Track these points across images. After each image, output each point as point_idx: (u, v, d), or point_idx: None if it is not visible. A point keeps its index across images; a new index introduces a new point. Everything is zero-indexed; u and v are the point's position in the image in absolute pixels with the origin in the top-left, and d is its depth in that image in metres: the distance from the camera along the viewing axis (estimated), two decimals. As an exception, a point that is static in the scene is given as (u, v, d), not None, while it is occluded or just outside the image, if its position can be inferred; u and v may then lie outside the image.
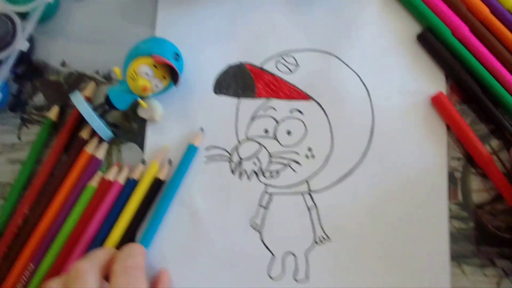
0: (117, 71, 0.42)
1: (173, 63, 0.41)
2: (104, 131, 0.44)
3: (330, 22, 0.47)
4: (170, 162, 0.45)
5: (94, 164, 0.45)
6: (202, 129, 0.45)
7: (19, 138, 0.47)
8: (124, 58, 0.44)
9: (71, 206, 0.44)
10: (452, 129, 0.44)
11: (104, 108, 0.44)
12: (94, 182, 0.44)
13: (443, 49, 0.45)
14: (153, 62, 0.41)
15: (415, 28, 0.47)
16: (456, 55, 0.45)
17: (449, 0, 0.45)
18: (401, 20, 0.47)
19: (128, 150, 0.46)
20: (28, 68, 0.48)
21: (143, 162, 0.45)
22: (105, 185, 0.44)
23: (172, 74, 0.43)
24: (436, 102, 0.45)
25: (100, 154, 0.45)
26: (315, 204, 0.44)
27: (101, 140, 0.45)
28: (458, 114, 0.44)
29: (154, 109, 0.45)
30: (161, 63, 0.41)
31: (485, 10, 0.45)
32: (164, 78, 0.42)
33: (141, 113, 0.45)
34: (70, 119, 0.46)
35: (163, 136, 0.46)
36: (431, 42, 0.45)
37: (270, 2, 0.48)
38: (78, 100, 0.42)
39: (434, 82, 0.46)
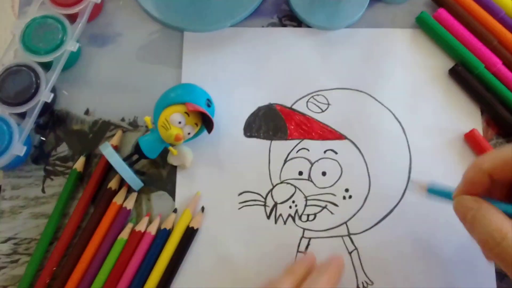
0: (147, 120, 0.41)
1: (206, 110, 0.40)
2: (136, 182, 0.42)
3: (360, 61, 0.47)
4: (203, 209, 0.44)
5: (123, 215, 0.44)
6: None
7: (43, 191, 0.45)
8: (150, 104, 0.43)
9: (102, 261, 0.42)
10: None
11: (133, 158, 0.43)
12: (125, 235, 0.43)
13: (476, 83, 0.45)
14: (185, 110, 0.40)
15: (446, 63, 0.47)
16: (490, 89, 0.44)
17: (480, 34, 0.45)
18: (431, 56, 0.47)
19: (158, 198, 0.45)
20: (51, 118, 0.47)
21: (175, 211, 0.44)
22: (136, 236, 0.43)
23: (204, 121, 0.42)
24: (469, 139, 0.44)
25: (130, 204, 0.44)
26: (355, 247, 0.43)
27: (129, 189, 0.44)
28: (489, 148, 0.43)
29: (185, 156, 0.44)
30: (196, 111, 0.40)
31: (516, 43, 0.45)
32: (196, 125, 0.42)
33: (171, 160, 0.44)
34: (98, 169, 0.44)
35: (194, 183, 0.44)
36: (464, 76, 0.45)
37: (298, 43, 0.48)
38: (109, 152, 0.41)
39: (469, 117, 0.45)
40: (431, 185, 0.37)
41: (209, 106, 0.42)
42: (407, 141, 0.45)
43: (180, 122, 0.41)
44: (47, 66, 0.44)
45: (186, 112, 0.41)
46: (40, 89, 0.43)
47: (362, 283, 0.42)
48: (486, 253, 0.31)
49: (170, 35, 0.49)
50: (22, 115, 0.43)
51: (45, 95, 0.43)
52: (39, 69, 0.44)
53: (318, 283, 0.35)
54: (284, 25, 0.49)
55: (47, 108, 0.46)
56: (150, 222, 0.43)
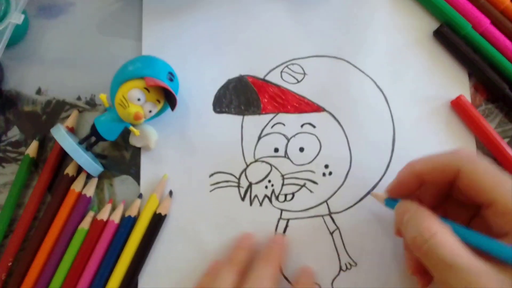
0: (103, 98, 0.38)
1: (168, 85, 0.37)
2: (93, 167, 0.39)
3: (337, 26, 0.44)
4: (171, 193, 0.40)
5: (83, 203, 0.40)
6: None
7: (-5, 180, 0.41)
8: (108, 81, 0.40)
9: (62, 254, 0.39)
10: (475, 134, 0.41)
11: (91, 140, 0.39)
12: (85, 224, 0.40)
13: (463, 44, 0.41)
14: (145, 85, 0.37)
15: (431, 25, 0.43)
16: (478, 51, 0.41)
17: (467, -9, 0.42)
18: (414, 16, 0.44)
19: (121, 183, 0.41)
20: (-1, 99, 0.43)
21: (140, 196, 0.40)
22: (99, 225, 0.40)
23: (167, 96, 0.38)
24: (457, 106, 0.41)
25: (90, 191, 0.41)
26: (337, 226, 0.40)
27: (89, 175, 0.41)
28: (481, 117, 0.40)
29: (148, 136, 0.40)
30: (155, 86, 0.37)
31: (505, 0, 0.41)
32: (158, 101, 0.38)
33: (134, 141, 0.40)
34: (52, 154, 0.41)
35: (160, 165, 0.41)
36: (450, 37, 0.42)
37: (269, 8, 0.44)
38: (61, 135, 0.37)
39: (456, 83, 0.42)
40: (387, 199, 0.37)
41: (171, 80, 0.38)
42: (390, 112, 0.42)
43: (139, 99, 0.37)
44: (-11, 42, 0.40)
45: (146, 88, 0.37)
46: (-19, 67, 0.39)
47: (345, 264, 0.39)
48: (415, 251, 0.32)
49: (128, 2, 0.44)
50: (-37, 97, 0.39)
51: (-13, 74, 0.39)
52: (-20, 46, 0.39)
53: (261, 271, 0.36)
54: (254, -12, 0.45)
55: (-6, 89, 0.42)
56: (113, 209, 0.40)
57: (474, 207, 0.34)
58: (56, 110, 0.42)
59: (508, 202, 0.30)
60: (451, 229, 0.31)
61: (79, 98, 0.43)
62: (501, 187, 0.31)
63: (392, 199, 0.37)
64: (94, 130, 0.38)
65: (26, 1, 0.41)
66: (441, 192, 0.35)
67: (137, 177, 0.41)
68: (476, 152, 0.35)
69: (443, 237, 0.30)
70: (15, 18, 0.40)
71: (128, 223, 0.40)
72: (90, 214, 0.40)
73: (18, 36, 0.43)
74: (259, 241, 0.40)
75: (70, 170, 0.41)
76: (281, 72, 0.43)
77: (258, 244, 0.39)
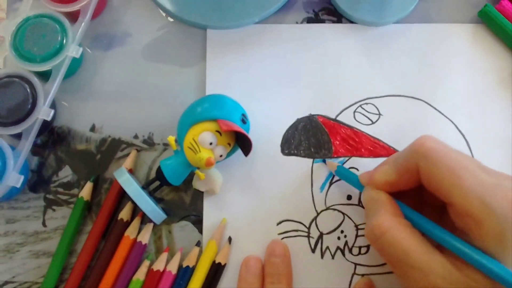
0: (171, 140, 0.36)
1: (241, 128, 0.35)
2: (158, 214, 0.37)
3: (414, 63, 0.43)
4: (230, 240, 0.39)
5: (138, 251, 0.39)
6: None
7: (44, 225, 0.40)
8: (168, 117, 0.39)
9: (116, 307, 0.38)
10: None
11: (152, 184, 0.38)
12: (141, 275, 0.38)
13: (552, 86, 0.40)
14: (217, 128, 0.35)
15: None
16: None
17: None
18: (498, 55, 0.43)
19: (181, 230, 0.40)
20: (50, 137, 0.41)
21: (198, 244, 0.39)
22: (155, 276, 0.38)
23: (238, 140, 0.37)
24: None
25: (145, 238, 0.39)
26: (415, 283, 0.38)
27: (144, 219, 0.39)
28: None
29: (214, 180, 0.39)
30: (231, 131, 0.35)
31: None
32: (229, 144, 0.36)
33: (198, 185, 0.39)
34: (109, 197, 0.39)
35: (224, 211, 0.40)
36: (538, 79, 0.40)
37: (342, 45, 0.43)
38: (126, 180, 0.36)
39: (544, 126, 0.41)
40: (340, 167, 0.39)
41: (244, 122, 0.37)
42: (472, 156, 0.40)
43: (211, 143, 0.35)
44: (44, 76, 0.38)
45: (217, 131, 0.35)
46: (37, 104, 0.37)
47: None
48: (369, 241, 0.33)
49: (189, 33, 0.43)
50: (17, 136, 0.37)
51: (44, 112, 0.37)
52: (35, 80, 0.38)
53: None
54: (322, 21, 0.44)
55: (46, 126, 0.41)
56: (171, 258, 0.39)
57: None
58: (112, 149, 0.41)
59: (464, 206, 0.29)
60: (407, 223, 0.32)
61: (136, 137, 0.41)
62: (457, 190, 0.30)
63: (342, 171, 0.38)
64: (159, 174, 0.37)
65: (84, 31, 0.40)
66: (412, 184, 0.34)
67: (197, 223, 0.40)
68: (441, 142, 0.32)
69: (394, 235, 0.31)
70: (73, 50, 0.39)
71: (185, 274, 0.38)
72: (146, 263, 0.39)
73: (72, 68, 0.42)
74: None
75: (124, 215, 0.39)
76: (354, 112, 0.41)
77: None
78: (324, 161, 0.40)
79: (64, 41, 0.39)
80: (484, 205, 0.29)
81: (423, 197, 0.35)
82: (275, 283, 0.37)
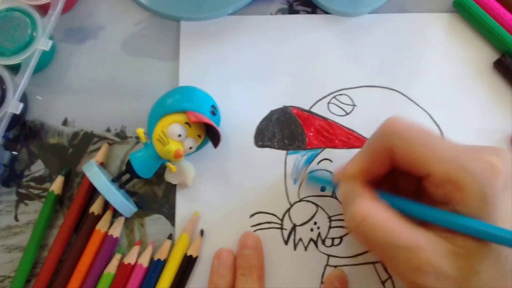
0: (140, 132, 0.36)
1: (211, 119, 0.35)
2: (128, 208, 0.38)
3: (388, 53, 0.43)
4: (202, 233, 0.39)
5: (109, 245, 0.39)
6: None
7: (16, 219, 0.40)
8: (140, 111, 0.39)
9: (87, 300, 0.38)
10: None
11: (123, 178, 0.38)
12: (112, 268, 0.39)
13: (527, 75, 0.40)
14: (186, 119, 0.35)
15: (490, 55, 0.42)
16: (543, 82, 0.40)
17: (532, 18, 0.41)
18: (473, 46, 0.43)
19: (153, 223, 0.40)
20: (22, 131, 0.42)
21: (170, 237, 0.39)
22: (126, 270, 0.38)
23: (209, 132, 0.37)
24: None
25: (117, 231, 0.39)
26: (389, 275, 0.39)
27: (116, 213, 0.39)
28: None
29: (186, 173, 0.39)
30: (199, 122, 0.35)
31: None
32: (199, 136, 0.37)
33: (170, 178, 0.39)
34: (81, 192, 0.39)
35: (196, 204, 0.40)
36: (512, 68, 0.40)
37: (317, 36, 0.43)
38: (94, 173, 0.36)
39: (519, 116, 0.41)
40: (310, 174, 0.39)
41: (214, 114, 0.37)
42: (447, 147, 0.40)
43: (180, 135, 0.36)
44: (15, 70, 0.39)
45: (187, 123, 0.36)
46: (6, 98, 0.38)
47: (400, 317, 0.38)
48: (353, 237, 0.34)
49: (163, 26, 0.43)
50: (-14, 131, 0.38)
51: (13, 106, 0.37)
52: (5, 74, 0.38)
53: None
54: (296, 11, 0.44)
55: (17, 120, 0.41)
56: (142, 251, 0.39)
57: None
58: (84, 142, 0.41)
59: (443, 173, 0.30)
60: (387, 206, 0.31)
61: (108, 130, 0.41)
62: (434, 158, 0.30)
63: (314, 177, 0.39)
64: (129, 167, 0.37)
65: (54, 25, 0.40)
66: (386, 168, 0.34)
67: (170, 216, 0.40)
68: (407, 120, 0.32)
69: (375, 218, 0.30)
70: (43, 44, 0.39)
71: (157, 267, 0.39)
72: (117, 257, 0.39)
73: (44, 62, 0.42)
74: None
75: (95, 209, 0.39)
76: (328, 103, 0.42)
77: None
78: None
79: (34, 34, 0.39)
80: (463, 169, 0.29)
81: (397, 185, 0.35)
82: (246, 275, 0.37)
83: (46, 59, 0.42)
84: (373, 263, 0.39)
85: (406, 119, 0.32)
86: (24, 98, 0.41)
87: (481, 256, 0.28)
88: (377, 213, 0.31)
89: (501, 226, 0.28)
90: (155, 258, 0.39)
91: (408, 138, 0.31)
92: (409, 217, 0.31)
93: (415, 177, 0.33)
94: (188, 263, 0.39)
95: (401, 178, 0.35)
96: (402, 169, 0.32)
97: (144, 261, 0.38)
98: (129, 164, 0.37)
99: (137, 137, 0.41)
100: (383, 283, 0.38)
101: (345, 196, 0.34)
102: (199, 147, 0.38)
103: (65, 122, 0.42)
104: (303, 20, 0.43)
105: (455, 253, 0.29)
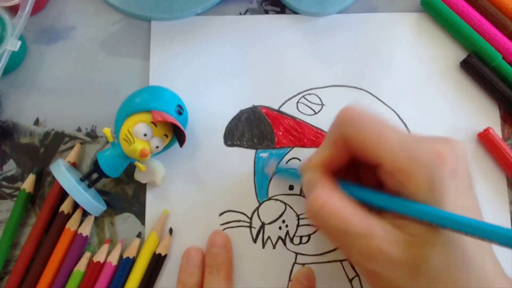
0: (107, 132, 0.39)
1: (176, 119, 0.38)
2: (95, 207, 0.40)
3: (356, 53, 0.45)
4: (171, 231, 0.42)
5: (79, 243, 0.42)
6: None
7: (-12, 218, 0.43)
8: (110, 111, 0.41)
9: (57, 298, 0.41)
10: (504, 168, 0.42)
11: (93, 176, 0.41)
12: (81, 266, 0.41)
13: (492, 75, 0.43)
14: (151, 119, 0.38)
15: (457, 54, 0.45)
16: (507, 81, 0.43)
17: (496, 18, 0.44)
18: (440, 45, 0.45)
19: (123, 222, 0.43)
20: (-6, 131, 0.44)
21: (139, 235, 0.42)
22: (95, 268, 0.41)
23: (175, 131, 0.39)
24: (484, 139, 0.43)
25: (86, 230, 0.42)
26: (357, 273, 0.41)
27: (86, 212, 0.42)
28: (510, 151, 0.42)
29: (155, 172, 0.41)
30: (163, 122, 0.38)
31: (537, 28, 0.43)
32: (166, 136, 0.39)
33: (139, 177, 0.42)
34: (53, 190, 0.42)
35: (166, 202, 0.42)
36: (478, 68, 0.43)
37: (285, 36, 0.46)
38: (60, 172, 0.39)
39: (485, 115, 0.44)
40: (278, 168, 0.42)
41: (180, 113, 0.40)
42: (414, 146, 0.43)
43: (145, 135, 0.38)
44: (-16, 71, 0.41)
45: (152, 122, 0.38)
46: (-23, 98, 0.40)
47: (365, 315, 0.40)
48: (312, 223, 0.36)
49: (134, 26, 0.46)
50: (-43, 131, 0.40)
51: (-17, 106, 0.40)
52: (-25, 75, 0.41)
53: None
54: (266, 11, 0.46)
55: (-12, 120, 0.43)
56: (112, 250, 0.42)
57: None
58: (55, 142, 0.44)
59: (392, 162, 0.32)
60: (344, 195, 0.33)
61: (79, 130, 0.44)
62: (385, 147, 0.32)
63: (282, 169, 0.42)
64: (96, 167, 0.40)
65: (23, 26, 0.42)
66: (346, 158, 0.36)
67: (140, 215, 0.42)
68: (362, 109, 0.34)
69: (332, 206, 0.32)
70: (12, 44, 0.41)
71: (126, 265, 0.41)
72: (86, 255, 0.41)
73: (15, 63, 0.45)
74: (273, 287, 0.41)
75: (65, 208, 0.42)
76: (297, 102, 0.44)
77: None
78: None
79: (4, 34, 0.41)
80: (411, 159, 0.31)
81: (360, 177, 0.37)
82: (214, 273, 0.40)
83: (17, 60, 0.45)
84: (340, 261, 0.41)
85: (361, 107, 0.34)
86: (-4, 99, 0.43)
87: (432, 243, 0.30)
88: (334, 202, 0.33)
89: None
90: (124, 256, 0.41)
91: (360, 127, 0.33)
92: (368, 206, 0.33)
93: (373, 168, 0.35)
94: (157, 261, 0.41)
95: (363, 170, 0.37)
96: (358, 159, 0.34)
97: (113, 259, 0.41)
98: (96, 163, 0.40)
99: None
100: (350, 280, 0.41)
101: (307, 185, 0.36)
102: (166, 147, 0.41)
103: (36, 122, 0.44)
104: (272, 20, 0.46)
105: (407, 241, 0.31)
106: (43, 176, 0.43)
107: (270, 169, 0.42)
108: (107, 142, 0.44)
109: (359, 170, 0.37)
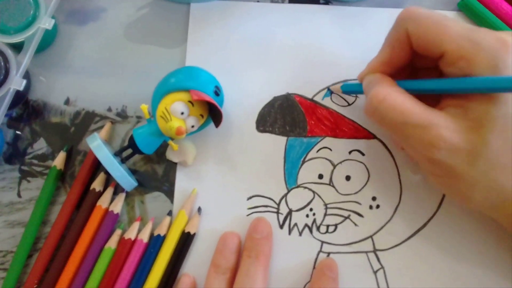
0: (144, 108, 0.42)
1: (214, 100, 0.41)
2: (128, 181, 0.44)
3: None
4: (199, 210, 0.45)
5: (110, 221, 0.45)
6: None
7: (19, 195, 0.46)
8: (142, 91, 0.44)
9: (87, 274, 0.43)
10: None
11: (125, 153, 0.44)
12: (112, 243, 0.44)
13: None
14: (189, 98, 0.41)
15: None
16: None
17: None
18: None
19: (153, 200, 0.46)
20: (25, 110, 0.48)
21: (170, 213, 0.45)
22: (126, 245, 0.44)
23: (211, 112, 0.43)
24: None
25: (117, 207, 0.45)
26: (381, 265, 0.44)
27: (116, 190, 0.45)
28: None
29: (187, 152, 0.45)
30: (201, 100, 0.41)
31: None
32: (202, 116, 0.42)
33: (171, 156, 0.45)
34: (84, 167, 0.45)
35: (196, 183, 0.46)
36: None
37: (324, 26, 0.48)
38: (97, 145, 0.42)
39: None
40: (344, 86, 0.45)
41: (217, 94, 0.43)
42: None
43: (182, 113, 0.41)
44: (17, 48, 0.44)
45: (190, 101, 0.41)
46: (10, 75, 0.43)
47: (388, 306, 0.44)
48: (372, 119, 0.38)
49: (168, 8, 0.49)
50: (-10, 108, 0.44)
51: (16, 82, 0.43)
52: (8, 52, 0.44)
53: (251, 271, 0.41)
54: (307, 0, 0.49)
55: (20, 98, 0.47)
56: (143, 227, 0.45)
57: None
58: (85, 121, 0.47)
59: (456, 49, 0.35)
60: (404, 91, 0.37)
61: (109, 109, 0.47)
62: (447, 36, 0.35)
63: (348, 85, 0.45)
64: (132, 142, 0.43)
65: (56, 5, 0.45)
66: (405, 56, 0.39)
67: (170, 194, 0.46)
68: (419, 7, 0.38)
69: (392, 100, 0.36)
70: (45, 22, 0.44)
71: (157, 242, 0.44)
72: (118, 232, 0.45)
73: (46, 42, 0.48)
74: (297, 275, 0.43)
75: (97, 185, 0.45)
76: (332, 93, 0.47)
77: (299, 279, 0.43)
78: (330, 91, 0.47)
79: (37, 13, 0.44)
80: (474, 44, 0.34)
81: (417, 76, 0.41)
82: (253, 257, 0.42)
83: (48, 39, 0.48)
84: (366, 252, 0.44)
85: (421, 7, 0.38)
86: (27, 78, 0.46)
87: (491, 126, 0.34)
88: (394, 96, 0.36)
89: None
90: (155, 233, 0.44)
91: (421, 20, 0.37)
92: (426, 101, 0.36)
93: (433, 72, 0.39)
94: (186, 240, 0.44)
95: (420, 73, 0.41)
96: (419, 55, 0.38)
97: (144, 237, 0.44)
98: (131, 139, 0.43)
99: (138, 117, 0.47)
100: (375, 272, 0.44)
101: (367, 86, 0.40)
102: (201, 127, 0.44)
103: (67, 102, 0.48)
104: (314, 9, 0.49)
105: (467, 127, 0.34)
106: (72, 154, 0.47)
107: (336, 89, 0.46)
108: (138, 122, 0.47)
109: (414, 75, 0.41)
